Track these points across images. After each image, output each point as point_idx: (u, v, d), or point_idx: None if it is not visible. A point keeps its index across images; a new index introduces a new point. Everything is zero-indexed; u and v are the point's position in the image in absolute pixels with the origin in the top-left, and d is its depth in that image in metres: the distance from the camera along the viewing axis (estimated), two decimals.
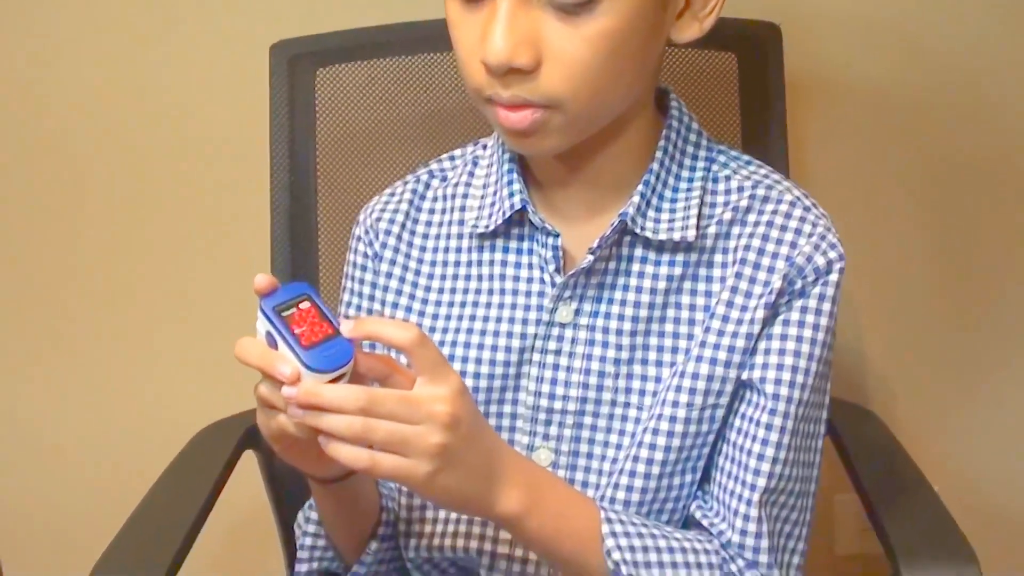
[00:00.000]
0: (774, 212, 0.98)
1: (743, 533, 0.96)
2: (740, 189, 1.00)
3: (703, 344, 0.97)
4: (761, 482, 0.95)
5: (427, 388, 0.83)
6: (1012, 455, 1.69)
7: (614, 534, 0.93)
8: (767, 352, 0.96)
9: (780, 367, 0.95)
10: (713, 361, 0.97)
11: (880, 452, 1.24)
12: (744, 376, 0.97)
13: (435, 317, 1.04)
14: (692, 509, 0.99)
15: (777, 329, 0.96)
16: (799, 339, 0.96)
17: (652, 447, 0.97)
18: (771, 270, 0.96)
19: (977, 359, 1.66)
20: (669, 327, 0.99)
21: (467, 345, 1.01)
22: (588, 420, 0.99)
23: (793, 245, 0.96)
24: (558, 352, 0.99)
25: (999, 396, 1.67)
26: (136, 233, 1.59)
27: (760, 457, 0.96)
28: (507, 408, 1.01)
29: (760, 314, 0.96)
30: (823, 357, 0.97)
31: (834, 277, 0.97)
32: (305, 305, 0.83)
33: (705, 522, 0.98)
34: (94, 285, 1.61)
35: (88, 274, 1.61)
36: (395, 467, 0.82)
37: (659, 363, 0.99)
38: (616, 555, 0.92)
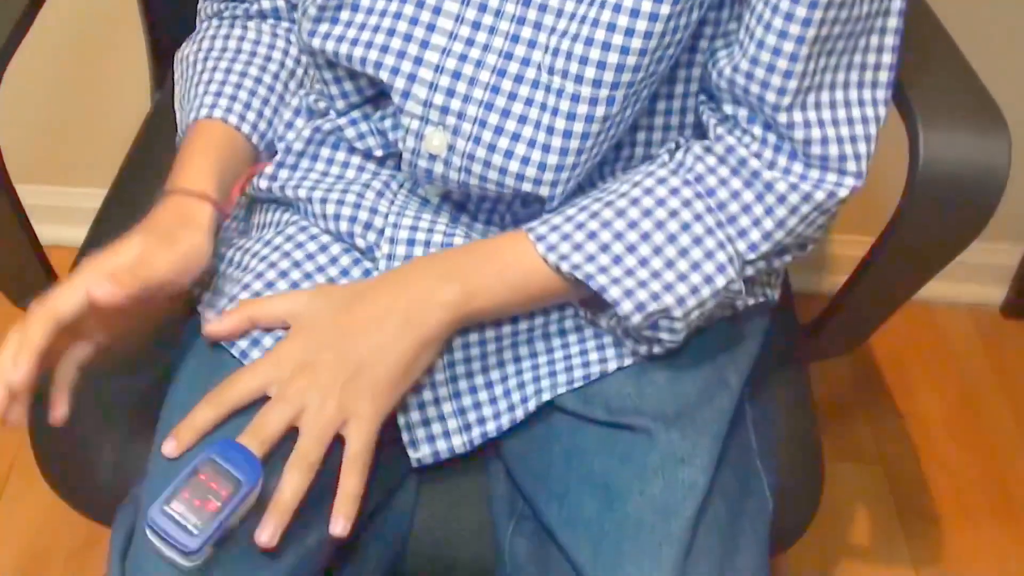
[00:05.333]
0: None
1: (781, 92, 0.80)
2: None
3: None
4: (797, 29, 0.79)
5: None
6: None
7: (540, 238, 0.83)
8: None
9: None
10: None
11: None
12: None
13: None
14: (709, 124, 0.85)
15: None
16: None
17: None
18: None
19: None
20: None
21: None
22: None
23: None
24: None
25: None
26: None
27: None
28: None
29: None
30: None
31: None
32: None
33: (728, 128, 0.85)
34: None
35: None
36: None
37: None
38: (552, 256, 0.82)
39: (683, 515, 0.80)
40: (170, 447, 0.80)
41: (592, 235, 0.82)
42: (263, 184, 0.93)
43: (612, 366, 0.88)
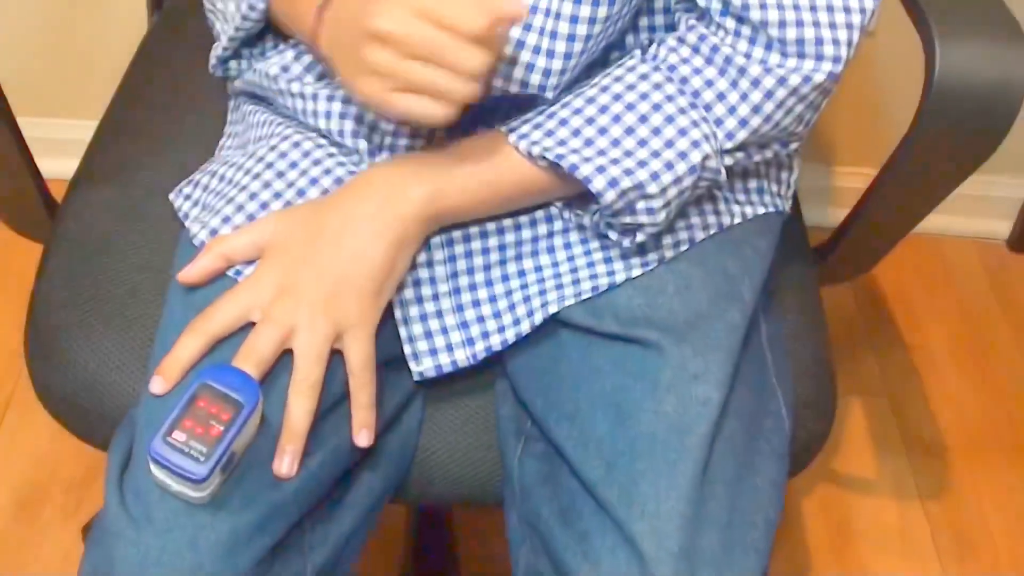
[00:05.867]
0: None
1: None
2: None
3: None
4: None
5: None
6: None
7: (512, 129, 0.82)
8: None
9: None
10: None
11: None
12: None
13: None
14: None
15: None
16: None
17: None
18: None
19: None
20: None
21: None
22: None
23: None
24: None
25: None
26: None
27: None
28: None
29: None
30: None
31: None
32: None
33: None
34: None
35: None
36: None
37: None
38: (524, 144, 0.81)
39: (698, 432, 0.79)
40: (158, 385, 0.78)
41: (563, 122, 0.82)
42: (258, 80, 0.91)
43: (620, 277, 0.85)
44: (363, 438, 0.80)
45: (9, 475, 1.46)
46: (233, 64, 0.96)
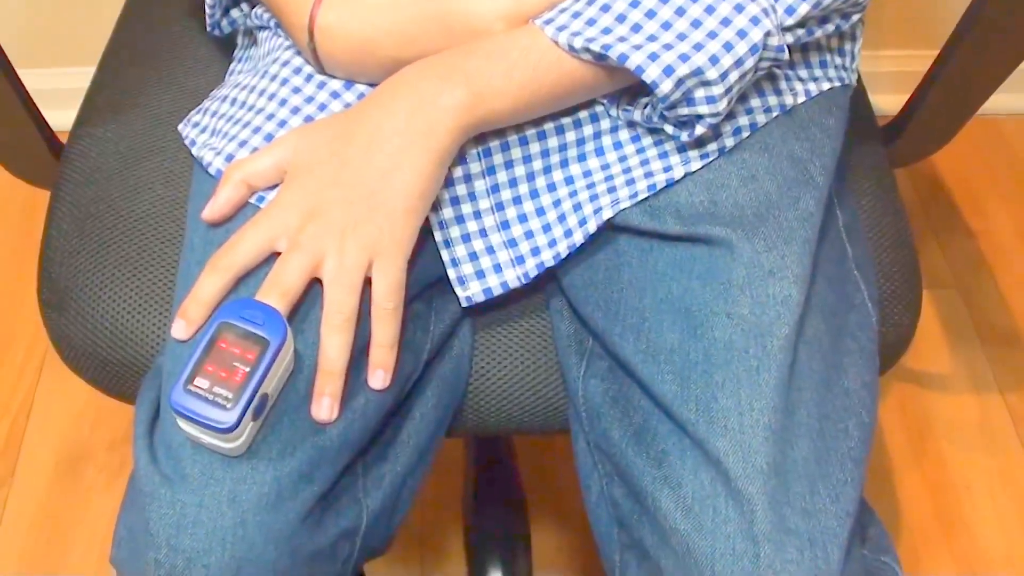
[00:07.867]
0: None
1: None
2: None
3: None
4: None
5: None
6: None
7: (548, 21, 0.74)
8: None
9: None
10: None
11: None
12: None
13: None
14: None
15: None
16: None
17: None
18: None
19: None
20: None
21: None
22: None
23: None
24: None
25: None
26: None
27: None
28: None
29: None
30: None
31: None
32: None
33: None
34: None
35: None
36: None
37: None
38: (564, 36, 0.73)
39: (779, 334, 0.71)
40: (180, 329, 0.71)
41: (605, 7, 0.73)
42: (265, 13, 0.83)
43: (678, 173, 0.77)
44: (377, 380, 0.72)
45: (49, 436, 1.41)
46: (235, 13, 0.89)
